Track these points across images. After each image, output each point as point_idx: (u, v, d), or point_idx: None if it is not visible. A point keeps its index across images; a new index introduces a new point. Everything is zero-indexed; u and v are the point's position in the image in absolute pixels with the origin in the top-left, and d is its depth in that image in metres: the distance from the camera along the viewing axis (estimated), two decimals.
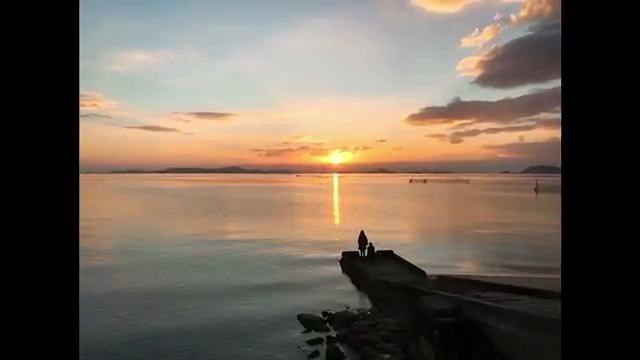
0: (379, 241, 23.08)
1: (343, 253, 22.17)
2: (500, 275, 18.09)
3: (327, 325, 13.03)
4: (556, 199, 73.17)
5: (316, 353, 11.01)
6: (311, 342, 11.67)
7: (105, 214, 46.14)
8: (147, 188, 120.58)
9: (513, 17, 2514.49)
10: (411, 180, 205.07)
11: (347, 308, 14.56)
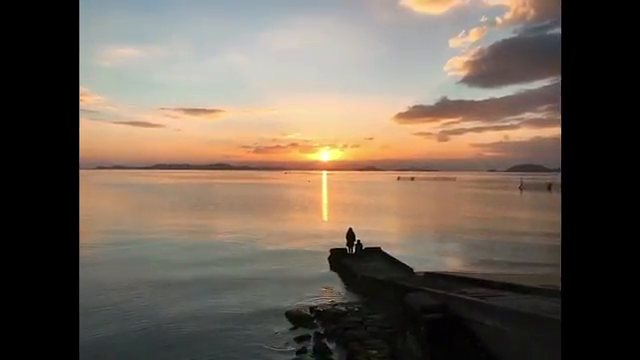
0: (367, 238, 23.23)
1: (331, 250, 22.22)
2: (485, 271, 18.40)
3: (315, 321, 13.05)
4: (540, 197, 74.61)
5: (303, 349, 11.04)
6: (298, 338, 11.69)
7: (87, 210, 45.26)
8: (130, 184, 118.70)
9: (498, 19, 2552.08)
10: (399, 178, 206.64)
11: (335, 304, 14.62)
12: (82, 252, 21.37)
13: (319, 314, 13.58)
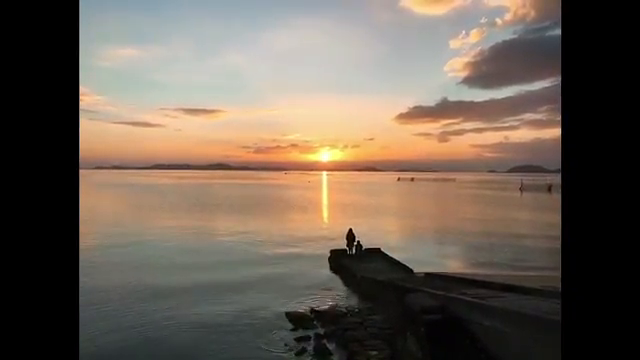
0: (367, 238, 23.21)
1: (331, 251, 22.21)
2: (485, 272, 18.39)
3: (315, 322, 13.04)
4: (540, 198, 74.58)
5: (303, 350, 11.03)
6: (298, 339, 11.68)
7: (86, 210, 45.26)
8: (129, 184, 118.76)
9: (498, 21, 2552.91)
10: (399, 178, 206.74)
11: (335, 305, 14.61)
12: (81, 254, 21.35)
13: (319, 315, 13.57)
